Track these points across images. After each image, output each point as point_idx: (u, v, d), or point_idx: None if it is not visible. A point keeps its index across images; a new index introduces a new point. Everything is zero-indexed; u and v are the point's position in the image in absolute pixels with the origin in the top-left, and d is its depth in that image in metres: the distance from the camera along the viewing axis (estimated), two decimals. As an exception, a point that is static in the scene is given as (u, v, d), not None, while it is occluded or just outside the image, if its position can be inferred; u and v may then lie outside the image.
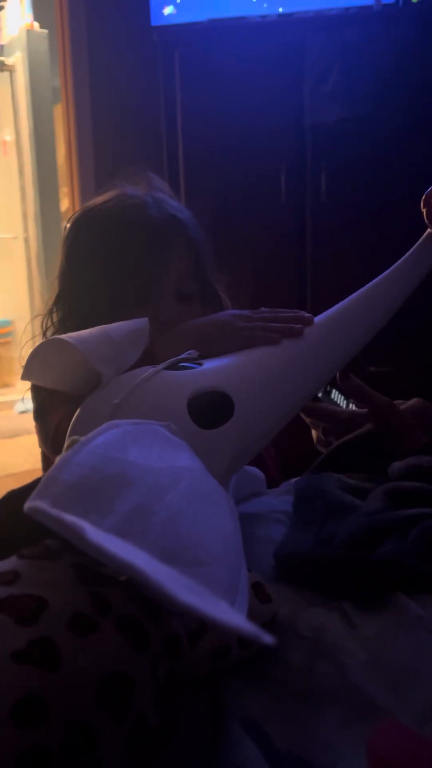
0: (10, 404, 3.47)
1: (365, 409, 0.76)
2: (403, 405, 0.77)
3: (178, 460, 0.39)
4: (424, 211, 0.66)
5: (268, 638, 0.25)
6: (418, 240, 0.68)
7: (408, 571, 0.49)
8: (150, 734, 0.32)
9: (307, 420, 0.82)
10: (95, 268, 0.77)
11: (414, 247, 0.67)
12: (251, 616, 0.37)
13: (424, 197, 0.66)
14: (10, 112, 3.75)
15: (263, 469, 0.76)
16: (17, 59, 3.62)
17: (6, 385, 3.83)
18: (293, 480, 0.73)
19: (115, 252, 0.76)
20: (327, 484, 0.65)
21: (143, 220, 0.76)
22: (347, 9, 1.83)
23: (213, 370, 0.54)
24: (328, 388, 0.83)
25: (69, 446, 0.37)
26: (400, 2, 1.80)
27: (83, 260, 0.78)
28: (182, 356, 0.55)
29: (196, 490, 0.37)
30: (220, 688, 0.41)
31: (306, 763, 0.35)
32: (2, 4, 3.67)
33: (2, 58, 3.69)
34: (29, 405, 0.82)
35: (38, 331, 0.84)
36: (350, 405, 0.83)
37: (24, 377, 0.52)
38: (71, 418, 0.50)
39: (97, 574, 0.35)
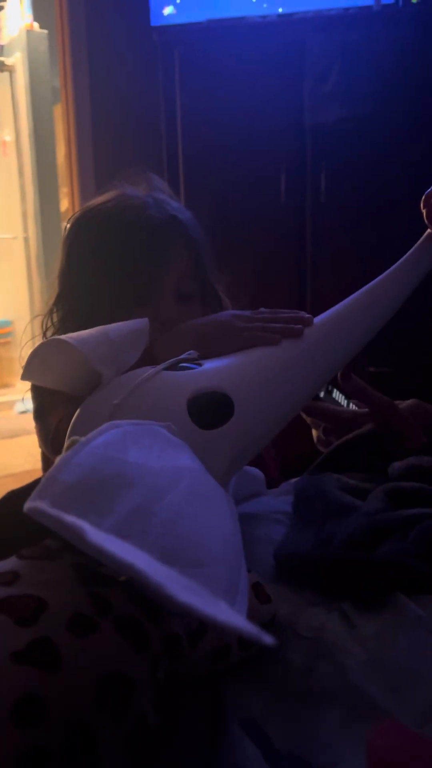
0: (10, 404, 3.47)
1: (366, 409, 0.76)
2: (401, 405, 0.77)
3: (178, 460, 0.39)
4: (424, 211, 0.66)
5: (267, 638, 0.25)
6: (417, 240, 0.68)
7: (408, 571, 0.49)
8: (150, 734, 0.32)
9: (308, 419, 0.83)
10: (95, 268, 0.77)
11: (414, 247, 0.67)
12: (251, 616, 0.37)
13: (424, 198, 0.66)
14: (10, 113, 3.75)
15: (263, 470, 0.76)
16: (17, 59, 3.62)
17: (6, 386, 3.83)
18: (293, 480, 0.73)
19: (115, 252, 0.76)
20: (327, 485, 0.65)
21: (143, 220, 0.76)
22: (347, 9, 1.83)
23: (213, 370, 0.54)
24: (330, 388, 0.83)
25: (69, 446, 0.37)
26: (400, 2, 1.80)
27: (83, 260, 0.78)
28: (182, 356, 0.55)
29: (196, 490, 0.37)
30: (220, 688, 0.41)
31: (306, 764, 0.35)
32: (2, 4, 3.67)
33: (2, 59, 3.69)
34: (29, 405, 0.82)
35: (38, 331, 0.84)
36: (350, 405, 0.83)
37: (24, 377, 0.52)
38: (71, 419, 0.50)
39: (97, 574, 0.35)
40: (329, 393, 0.83)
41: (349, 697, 0.39)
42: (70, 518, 0.28)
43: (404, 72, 1.74)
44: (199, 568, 0.32)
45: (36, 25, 3.53)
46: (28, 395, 0.82)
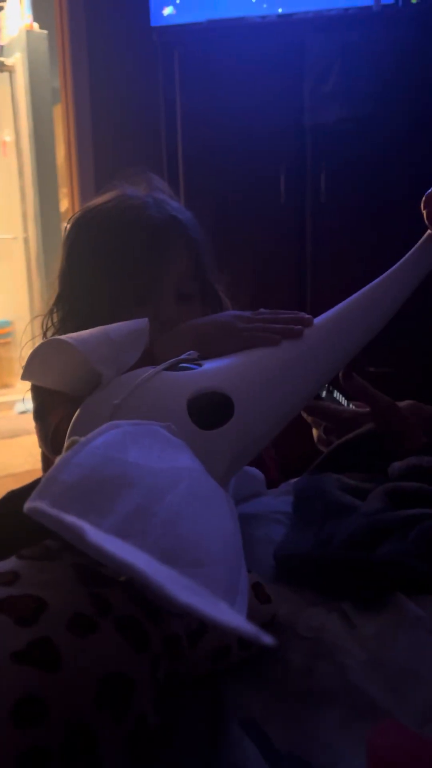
0: (10, 405, 3.47)
1: (367, 409, 0.76)
2: (399, 405, 0.77)
3: (178, 460, 0.39)
4: (424, 212, 0.66)
5: (267, 639, 0.25)
6: (417, 240, 0.68)
7: (408, 571, 0.49)
8: (150, 734, 0.32)
9: (309, 419, 0.83)
10: (95, 268, 0.77)
11: (414, 248, 0.67)
12: (251, 616, 0.37)
13: (424, 198, 0.66)
14: (10, 113, 3.75)
15: (263, 470, 0.76)
16: (17, 60, 3.62)
17: (6, 386, 3.83)
18: (293, 480, 0.73)
19: (115, 252, 0.76)
20: (327, 485, 0.65)
21: (143, 220, 0.76)
22: (347, 9, 1.83)
23: (213, 370, 0.54)
24: (330, 388, 0.83)
25: (69, 447, 0.37)
26: (400, 3, 1.80)
27: (83, 261, 0.79)
28: (182, 357, 0.55)
29: (196, 490, 0.37)
30: (220, 688, 0.41)
31: (305, 764, 0.35)
32: (2, 4, 3.67)
33: (2, 59, 3.69)
34: (29, 405, 0.82)
35: (38, 331, 0.84)
36: (350, 405, 0.83)
37: (24, 377, 0.52)
38: (71, 419, 0.50)
39: (97, 574, 0.35)
40: (330, 393, 0.83)
41: (349, 697, 0.39)
42: (70, 518, 0.28)
43: (404, 72, 1.74)
44: (199, 568, 0.32)
45: (36, 25, 3.53)
46: (28, 395, 0.82)
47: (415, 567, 0.49)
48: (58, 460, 0.34)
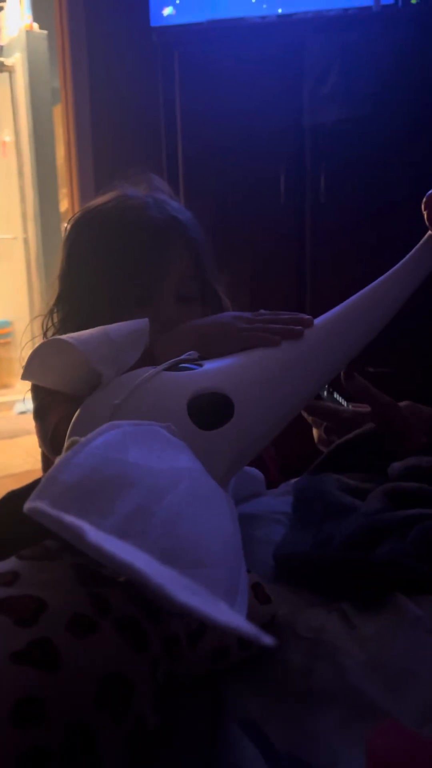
0: (10, 405, 3.47)
1: (368, 409, 0.76)
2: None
3: (178, 461, 0.39)
4: (425, 213, 0.66)
5: (267, 639, 0.25)
6: (417, 240, 0.68)
7: (407, 571, 0.49)
8: (150, 734, 0.32)
9: (309, 419, 0.83)
10: (96, 268, 0.77)
11: (414, 249, 0.67)
12: (251, 616, 0.37)
13: (425, 200, 0.66)
14: (10, 113, 3.75)
15: (263, 470, 0.76)
16: (17, 60, 3.62)
17: (5, 386, 3.83)
18: (293, 481, 0.73)
19: (115, 253, 0.76)
20: (326, 485, 0.65)
21: (144, 221, 0.76)
22: (346, 10, 1.83)
23: (213, 371, 0.54)
24: (330, 389, 0.83)
25: (69, 447, 0.37)
26: (400, 3, 1.80)
27: (84, 261, 0.79)
28: (182, 357, 0.55)
29: (196, 491, 0.37)
30: (220, 688, 0.41)
31: (305, 764, 0.35)
32: (2, 4, 3.67)
33: (2, 59, 3.69)
34: (29, 406, 0.82)
35: (38, 331, 0.84)
36: (348, 406, 0.83)
37: (24, 377, 0.52)
38: (70, 418, 0.50)
39: (97, 574, 0.35)
40: (330, 394, 0.83)
41: (349, 698, 0.39)
42: (70, 518, 0.28)
43: (404, 73, 1.74)
44: (199, 568, 0.32)
45: (36, 25, 3.53)
46: (28, 396, 0.82)
47: (415, 567, 0.49)
48: (58, 460, 0.34)
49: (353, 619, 0.46)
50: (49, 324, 0.82)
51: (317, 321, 0.63)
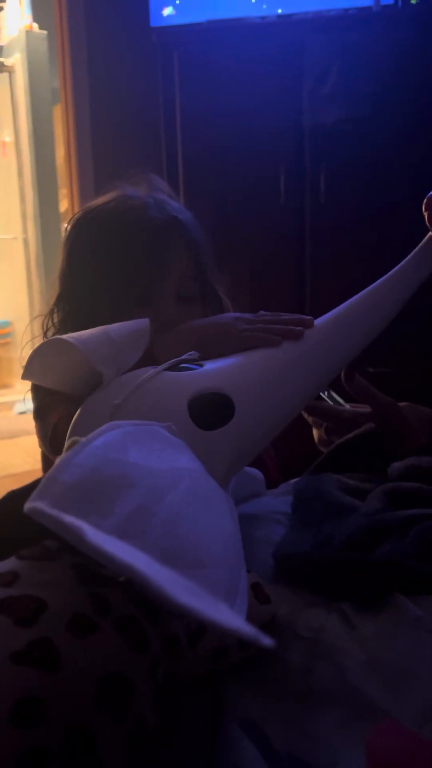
0: (10, 405, 3.47)
1: (368, 409, 0.76)
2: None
3: (179, 461, 0.39)
4: (425, 214, 0.66)
5: (267, 641, 0.25)
6: (417, 241, 0.68)
7: (407, 571, 0.49)
8: (150, 734, 0.32)
9: (310, 419, 0.83)
10: (96, 269, 0.77)
11: (414, 250, 0.67)
12: (250, 617, 0.37)
13: (426, 201, 0.66)
14: (10, 113, 3.75)
15: (263, 471, 0.76)
16: (16, 60, 3.62)
17: (5, 386, 3.83)
18: (292, 481, 0.73)
19: (115, 253, 0.76)
20: (326, 485, 0.65)
21: (144, 221, 0.76)
22: (346, 10, 1.83)
23: (214, 371, 0.54)
24: (329, 390, 0.83)
25: (69, 447, 0.37)
26: (399, 3, 1.80)
27: (84, 261, 0.79)
28: (183, 357, 0.55)
29: (196, 491, 0.37)
30: (220, 688, 0.41)
31: (305, 764, 0.35)
32: (1, 5, 3.67)
33: (1, 59, 3.69)
34: (29, 406, 0.82)
35: (38, 331, 0.84)
36: (347, 406, 0.83)
37: (24, 377, 0.52)
38: (70, 418, 0.50)
39: (97, 574, 0.35)
40: (330, 394, 0.83)
41: (349, 698, 0.39)
42: (70, 519, 0.28)
43: (403, 73, 1.74)
44: (199, 569, 0.32)
45: (35, 25, 3.53)
46: (28, 396, 0.82)
47: (414, 567, 0.49)
48: (58, 460, 0.34)
49: (353, 619, 0.46)
50: (49, 324, 0.82)
51: (317, 322, 0.63)
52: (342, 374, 0.74)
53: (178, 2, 1.91)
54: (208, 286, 0.81)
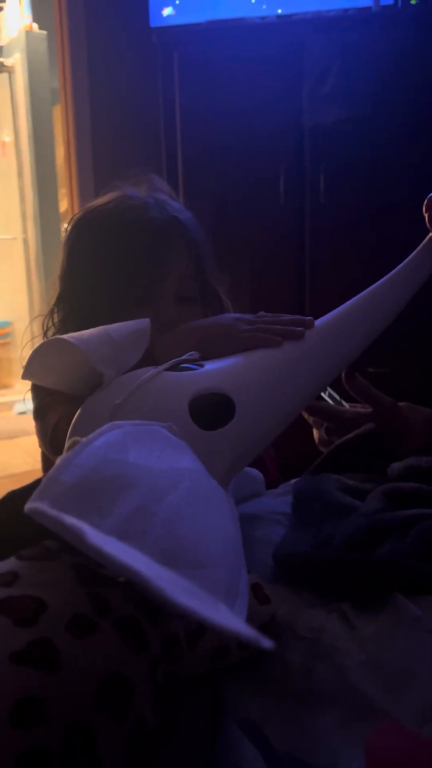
0: (9, 405, 3.47)
1: (369, 409, 0.76)
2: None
3: (179, 461, 0.39)
4: (426, 215, 0.66)
5: (267, 643, 0.25)
6: (417, 241, 0.68)
7: (407, 571, 0.49)
8: (150, 734, 0.32)
9: (310, 419, 0.83)
10: (96, 269, 0.77)
11: (415, 251, 0.67)
12: (250, 617, 0.37)
13: (426, 202, 0.66)
14: (9, 113, 3.75)
15: (263, 471, 0.76)
16: (16, 60, 3.62)
17: (5, 386, 3.83)
18: (292, 481, 0.73)
19: (116, 253, 0.76)
20: (326, 486, 0.65)
21: (144, 221, 0.76)
22: (346, 10, 1.84)
23: (214, 371, 0.54)
24: (328, 391, 0.83)
25: (70, 447, 0.37)
26: (399, 4, 1.80)
27: (84, 261, 0.79)
28: (183, 357, 0.55)
29: (196, 491, 0.37)
30: (219, 688, 0.41)
31: (305, 764, 0.35)
32: (1, 5, 3.67)
33: (1, 59, 3.69)
34: (29, 406, 0.82)
35: (38, 331, 0.84)
36: (347, 406, 0.83)
37: (25, 377, 0.52)
38: (70, 418, 0.50)
39: (97, 574, 0.35)
40: (330, 394, 0.83)
41: (348, 698, 0.39)
42: (70, 520, 0.28)
43: (403, 73, 1.74)
44: (199, 569, 0.32)
45: (35, 25, 3.53)
46: (28, 396, 0.82)
47: (414, 567, 0.49)
48: (59, 460, 0.34)
49: (353, 619, 0.46)
50: (50, 324, 0.82)
51: (318, 323, 0.63)
52: (343, 374, 0.74)
53: (177, 2, 1.91)
54: (208, 286, 0.81)
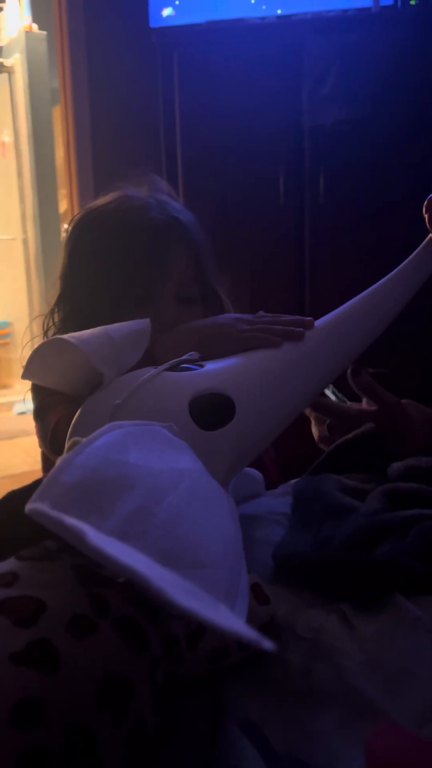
0: (9, 405, 3.47)
1: (373, 407, 0.76)
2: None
3: (179, 461, 0.39)
4: (426, 216, 0.66)
5: (267, 643, 0.25)
6: (417, 241, 0.68)
7: (406, 571, 0.49)
8: (149, 734, 0.32)
9: (313, 415, 0.82)
10: (97, 269, 0.77)
11: (415, 252, 0.68)
12: (250, 617, 0.37)
13: (426, 203, 0.66)
14: (9, 114, 3.75)
15: (262, 471, 0.76)
16: (16, 61, 3.62)
17: (5, 386, 3.83)
18: (292, 481, 0.73)
19: (116, 253, 0.76)
20: (325, 486, 0.65)
21: (145, 221, 0.76)
22: (346, 11, 1.84)
23: (214, 371, 0.54)
24: (331, 388, 0.83)
25: (70, 447, 0.37)
26: (399, 4, 1.81)
27: (85, 261, 0.79)
28: (183, 357, 0.55)
29: (197, 491, 0.37)
30: (219, 689, 0.41)
31: (304, 764, 0.35)
32: (1, 5, 3.67)
33: (1, 60, 3.69)
34: (29, 406, 0.82)
35: (38, 332, 0.84)
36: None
37: (25, 377, 0.52)
38: (70, 418, 0.50)
39: (97, 575, 0.35)
40: (333, 392, 0.83)
41: (348, 698, 0.39)
42: (71, 520, 0.28)
43: (403, 74, 1.75)
44: (199, 569, 0.32)
45: (35, 26, 3.53)
46: (28, 396, 0.82)
47: (414, 567, 0.49)
48: (59, 461, 0.34)
49: (353, 619, 0.46)
50: (50, 324, 0.82)
51: (318, 323, 0.63)
52: (348, 371, 0.74)
53: (177, 3, 1.92)
54: (208, 286, 0.81)
